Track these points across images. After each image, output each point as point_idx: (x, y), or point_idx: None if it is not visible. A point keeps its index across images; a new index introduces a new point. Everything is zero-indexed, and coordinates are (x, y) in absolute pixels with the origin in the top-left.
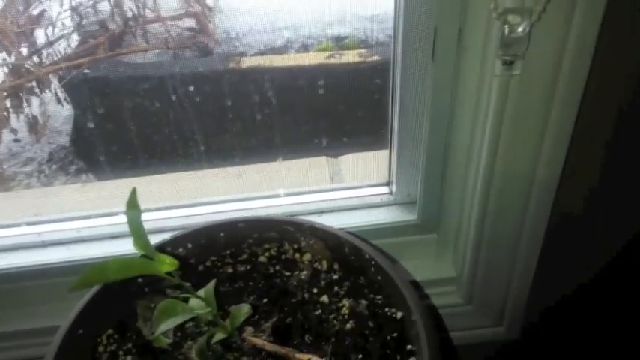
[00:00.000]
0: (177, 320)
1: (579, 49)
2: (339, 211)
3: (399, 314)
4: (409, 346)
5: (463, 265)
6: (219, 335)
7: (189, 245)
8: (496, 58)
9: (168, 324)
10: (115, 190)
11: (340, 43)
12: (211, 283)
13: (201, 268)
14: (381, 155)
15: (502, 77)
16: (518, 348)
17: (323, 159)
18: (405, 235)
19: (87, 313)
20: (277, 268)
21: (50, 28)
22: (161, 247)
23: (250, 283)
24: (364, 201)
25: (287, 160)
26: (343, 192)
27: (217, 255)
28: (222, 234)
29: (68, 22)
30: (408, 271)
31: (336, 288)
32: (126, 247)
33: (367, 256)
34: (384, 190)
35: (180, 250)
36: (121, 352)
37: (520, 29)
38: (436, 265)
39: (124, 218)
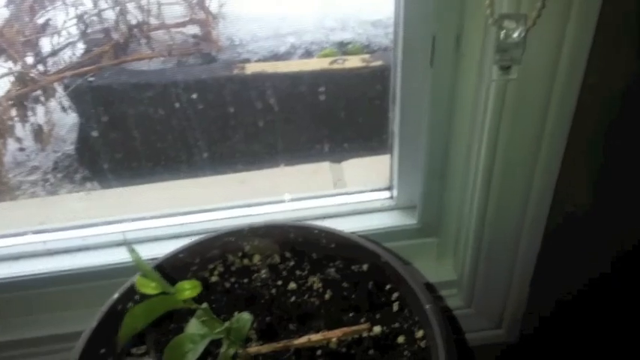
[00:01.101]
0: (199, 349)
1: (574, 53)
2: (341, 216)
3: (365, 266)
4: (388, 285)
5: (463, 269)
6: (231, 351)
7: (137, 297)
8: (493, 64)
9: (191, 357)
10: (120, 197)
11: (344, 48)
12: (204, 305)
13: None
14: (384, 159)
15: (499, 82)
16: (518, 351)
17: (326, 164)
18: (406, 239)
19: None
20: (232, 280)
21: (55, 37)
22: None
23: (214, 306)
24: (366, 206)
25: (290, 165)
26: (345, 197)
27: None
28: (166, 270)
29: (73, 30)
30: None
31: (298, 272)
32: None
33: (315, 231)
34: (386, 194)
35: (130, 304)
36: None
37: (516, 34)
38: (437, 268)
39: (129, 226)
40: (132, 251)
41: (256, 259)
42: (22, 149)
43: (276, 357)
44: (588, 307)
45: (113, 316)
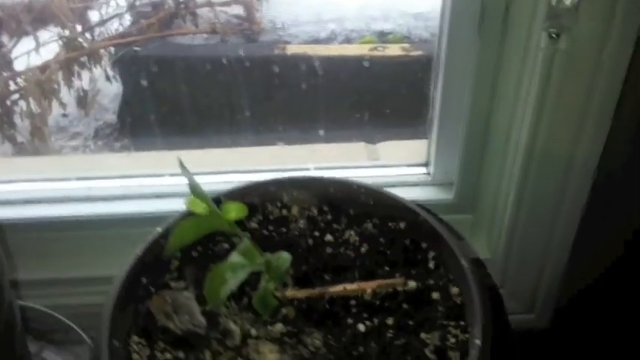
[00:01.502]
0: (240, 277)
1: (627, 24)
2: None
3: (402, 224)
4: (424, 244)
5: (497, 247)
6: (270, 285)
7: None
8: (542, 31)
9: (232, 284)
10: (158, 159)
11: (384, 37)
12: (246, 239)
13: (195, 254)
14: (418, 144)
15: (547, 51)
16: (548, 337)
17: (361, 144)
18: (440, 214)
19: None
20: (271, 228)
21: (105, 7)
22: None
23: None
24: (401, 179)
25: (326, 143)
26: (380, 169)
27: (206, 238)
28: None
29: (122, 1)
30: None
31: (335, 225)
32: (169, 206)
33: (355, 187)
34: (422, 170)
35: None
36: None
37: (568, 0)
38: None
39: (168, 180)
40: (185, 170)
41: (294, 210)
42: (65, 115)
43: (311, 303)
44: (624, 296)
45: (156, 249)
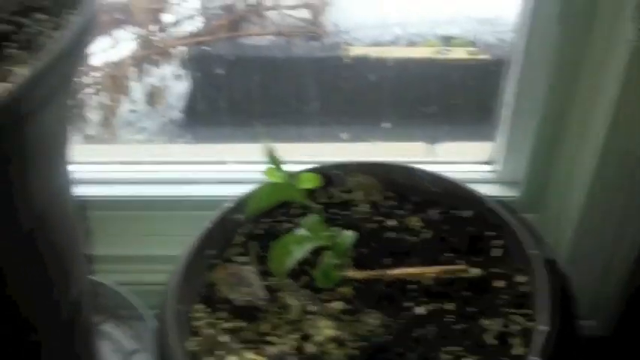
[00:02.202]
0: (305, 250)
1: None
2: None
3: (468, 212)
4: (491, 232)
5: (563, 248)
6: (334, 261)
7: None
8: (630, 22)
9: (297, 255)
10: (220, 151)
11: (448, 42)
12: (314, 215)
13: (259, 231)
14: (478, 146)
15: (635, 44)
16: (609, 344)
17: (421, 144)
18: None
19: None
20: (333, 210)
21: (178, 9)
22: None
23: None
24: (464, 176)
25: (385, 142)
26: (443, 166)
27: (270, 216)
28: None
29: (196, 4)
30: None
31: (398, 211)
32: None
33: (420, 174)
34: (487, 168)
35: (239, 215)
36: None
37: None
38: None
39: (232, 167)
40: (264, 140)
41: (358, 195)
42: (133, 111)
43: (370, 285)
44: None
45: (224, 223)
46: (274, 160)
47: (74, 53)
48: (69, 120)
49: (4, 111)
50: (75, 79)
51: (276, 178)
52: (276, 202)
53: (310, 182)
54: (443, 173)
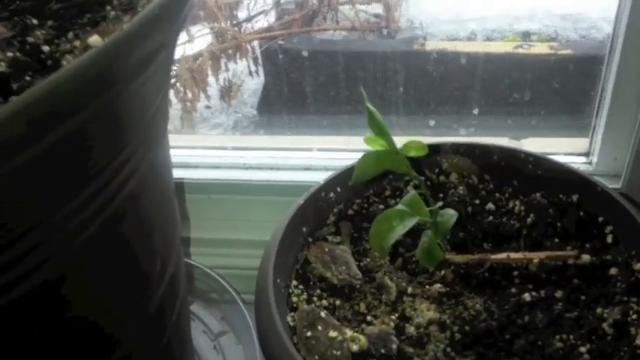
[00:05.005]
0: (407, 225)
1: None
2: None
3: (575, 196)
4: (601, 217)
5: None
6: (435, 238)
7: (338, 189)
8: None
9: (399, 231)
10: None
11: (527, 38)
12: (413, 192)
13: (351, 212)
14: (565, 141)
15: None
16: None
17: (505, 140)
18: None
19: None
20: (429, 194)
21: (252, 3)
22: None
23: None
24: None
25: (469, 136)
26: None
27: (361, 198)
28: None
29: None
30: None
31: (497, 194)
32: (316, 177)
33: (522, 155)
34: (582, 159)
35: (331, 194)
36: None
37: None
38: None
39: (316, 154)
40: (367, 103)
41: (453, 177)
42: (208, 107)
43: (469, 270)
44: None
45: (317, 200)
46: (379, 127)
47: (173, 16)
48: (167, 95)
49: (110, 58)
50: (173, 49)
51: (378, 146)
52: (382, 170)
53: (416, 150)
54: (546, 155)
